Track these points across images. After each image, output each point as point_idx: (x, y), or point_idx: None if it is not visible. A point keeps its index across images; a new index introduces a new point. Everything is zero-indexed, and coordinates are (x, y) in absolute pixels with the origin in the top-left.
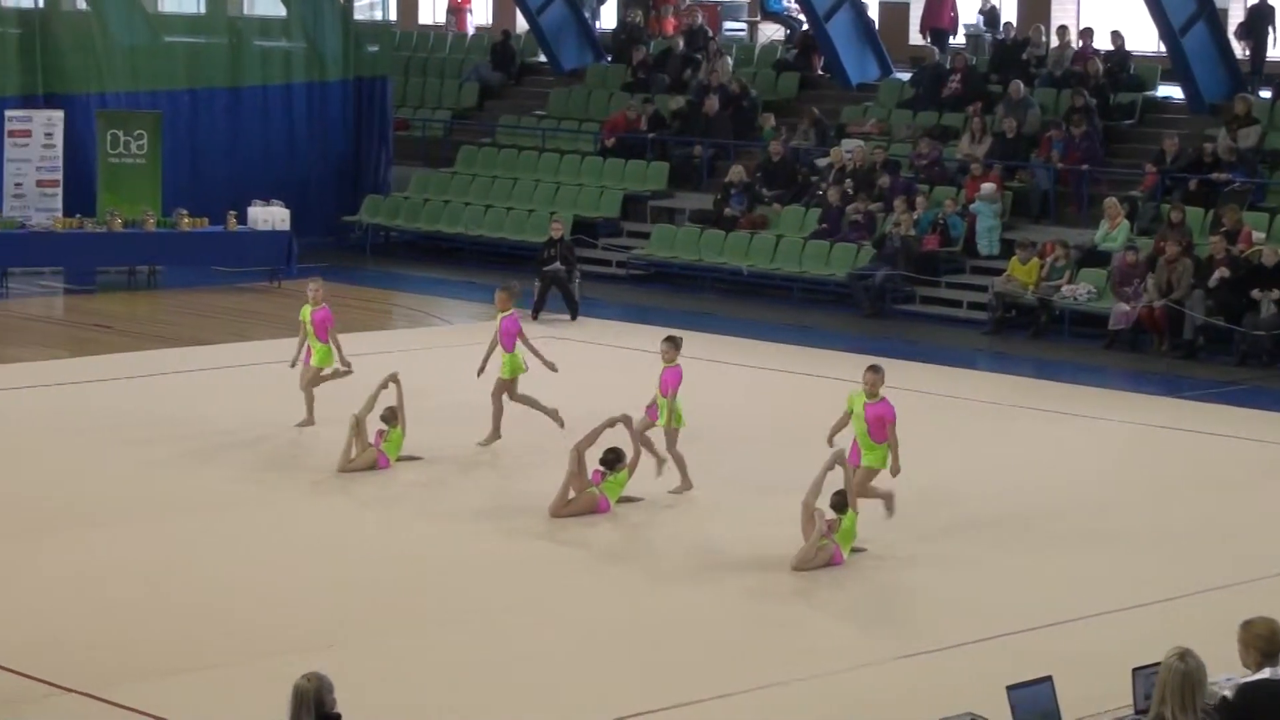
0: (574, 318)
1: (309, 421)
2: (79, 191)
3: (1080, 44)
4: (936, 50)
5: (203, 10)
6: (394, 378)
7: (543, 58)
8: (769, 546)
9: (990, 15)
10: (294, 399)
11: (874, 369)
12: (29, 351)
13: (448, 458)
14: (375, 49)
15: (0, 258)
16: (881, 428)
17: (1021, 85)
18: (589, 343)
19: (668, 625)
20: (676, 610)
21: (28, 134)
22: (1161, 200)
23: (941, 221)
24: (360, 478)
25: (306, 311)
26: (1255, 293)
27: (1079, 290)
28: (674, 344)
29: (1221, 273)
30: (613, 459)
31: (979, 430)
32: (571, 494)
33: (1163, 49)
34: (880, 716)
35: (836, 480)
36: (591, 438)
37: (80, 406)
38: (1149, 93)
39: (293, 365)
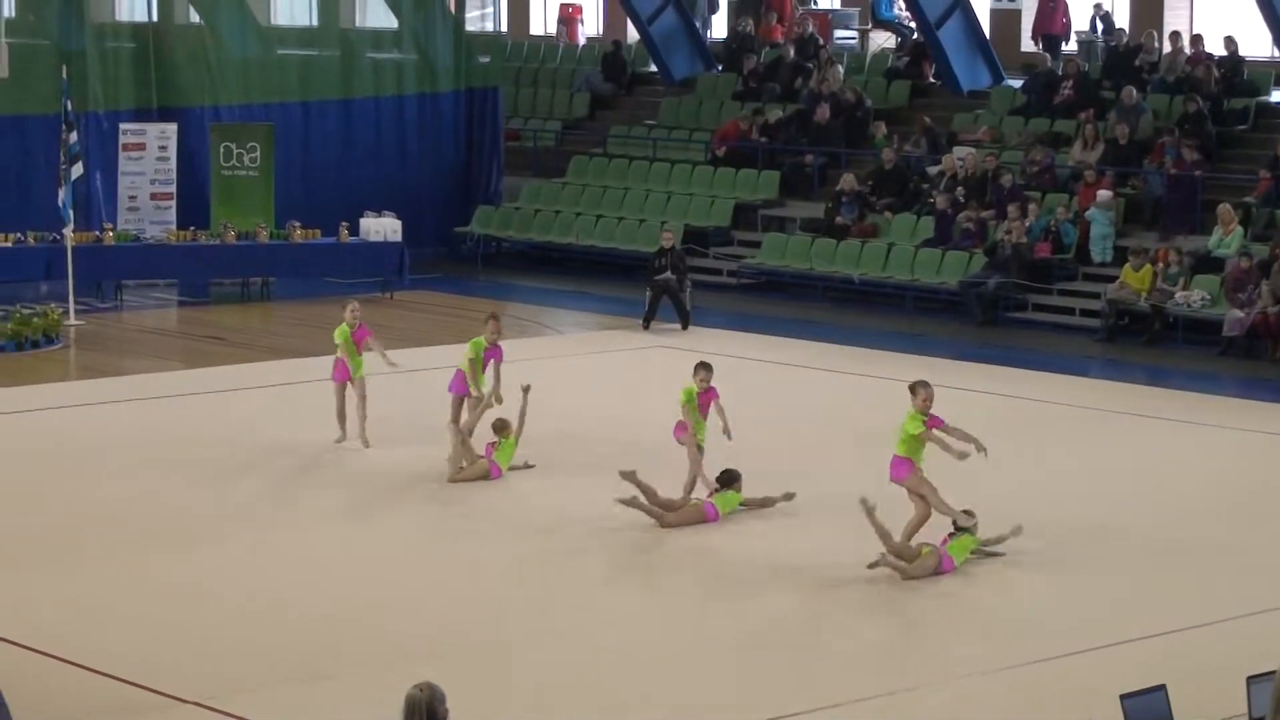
0: (685, 327)
1: (343, 437)
2: (192, 204)
3: (1193, 49)
4: (1049, 57)
5: (315, 23)
6: (525, 389)
7: (653, 67)
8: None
9: (1105, 20)
10: (409, 409)
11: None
12: (143, 364)
13: (559, 467)
14: (486, 60)
15: (115, 270)
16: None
17: (1134, 91)
18: (700, 352)
19: (767, 634)
20: (777, 620)
21: (142, 147)
22: (1276, 206)
23: (1054, 229)
24: (472, 488)
25: (344, 332)
26: None
27: (1193, 297)
28: (708, 369)
29: None
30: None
31: (1091, 438)
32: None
33: (1276, 54)
34: None
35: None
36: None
37: (193, 419)
38: (1262, 98)
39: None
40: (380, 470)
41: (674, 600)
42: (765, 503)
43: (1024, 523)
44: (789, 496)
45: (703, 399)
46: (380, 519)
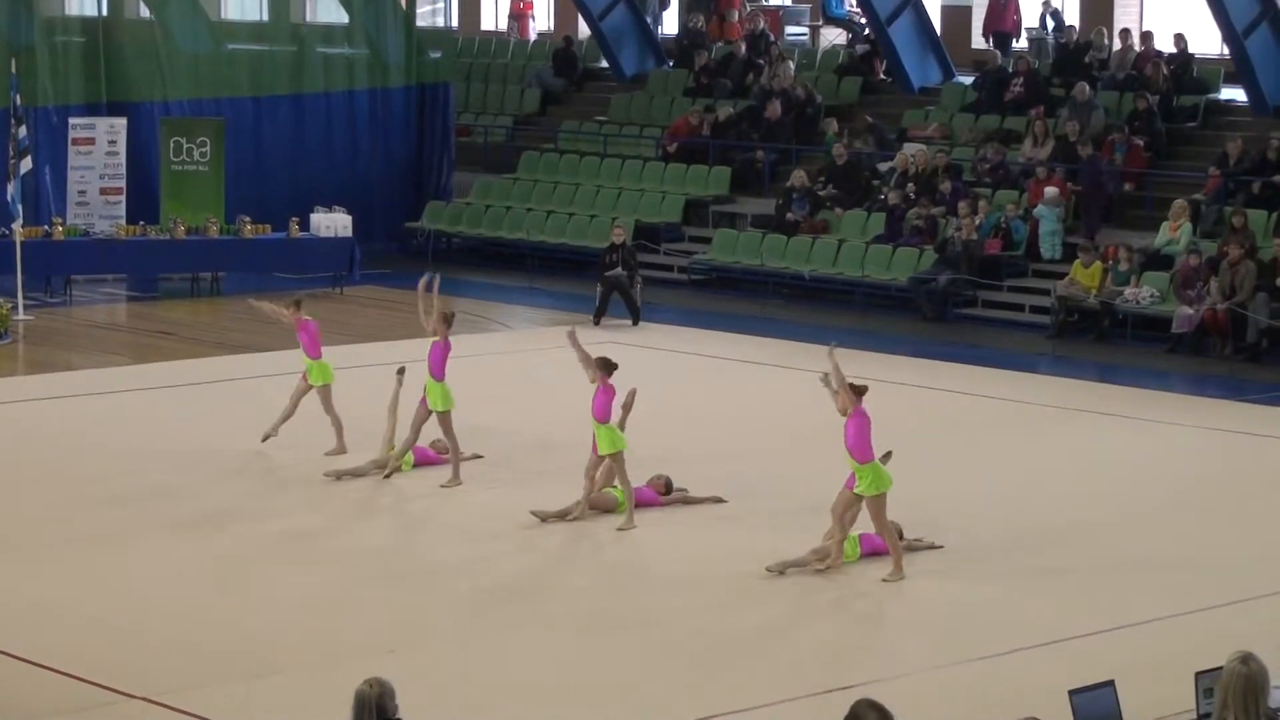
0: (636, 323)
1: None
2: (142, 199)
3: (1143, 47)
4: (999, 54)
5: (265, 18)
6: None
7: (604, 63)
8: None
9: (1055, 17)
10: (356, 406)
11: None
12: (92, 358)
13: (510, 463)
14: (437, 55)
15: (64, 265)
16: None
17: (1087, 87)
18: (650, 348)
19: (730, 632)
20: (741, 618)
21: (91, 141)
22: (1225, 203)
23: (1004, 225)
24: (413, 482)
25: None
26: None
27: (1142, 294)
28: (606, 366)
29: None
30: None
31: (1041, 435)
32: None
33: (1226, 51)
34: None
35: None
36: None
37: (141, 413)
38: (1212, 95)
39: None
40: (328, 464)
41: (627, 600)
42: (688, 500)
43: (975, 519)
44: (718, 500)
45: (599, 399)
46: (332, 515)
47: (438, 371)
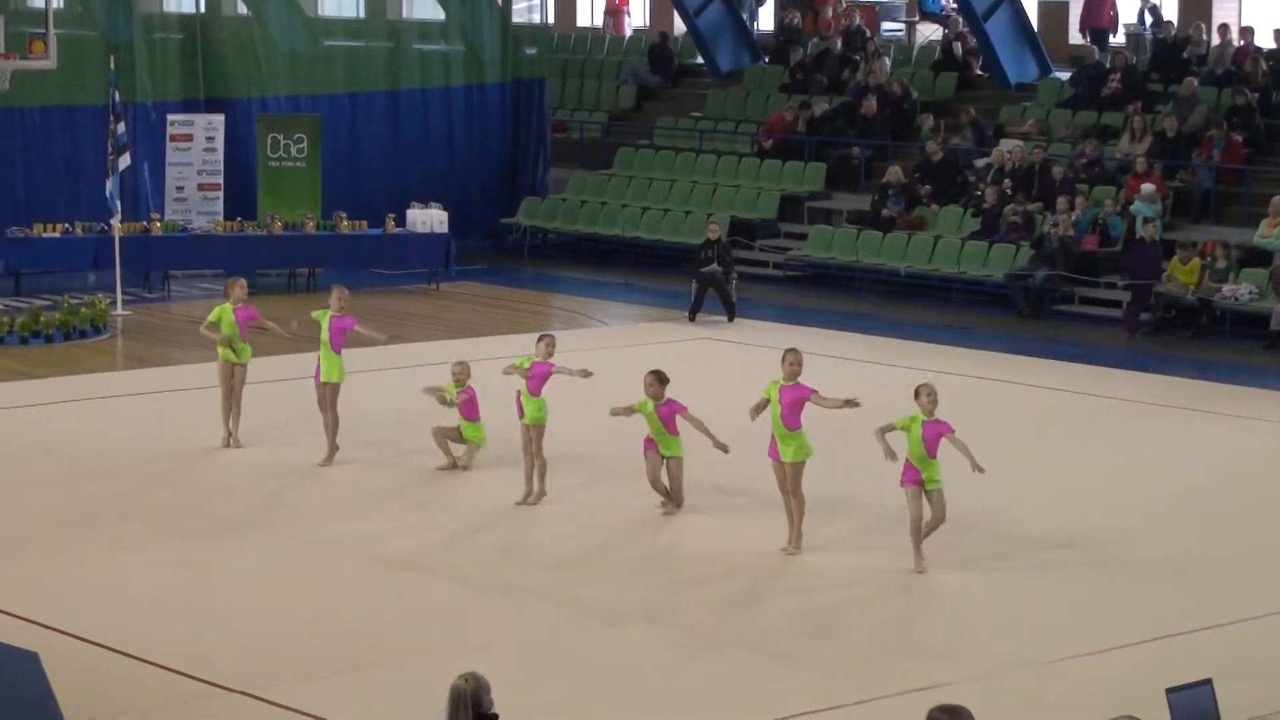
0: (731, 319)
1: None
2: (239, 195)
3: (1241, 42)
4: (1096, 49)
5: (362, 14)
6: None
7: (700, 59)
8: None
9: (1153, 12)
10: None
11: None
12: (190, 354)
13: (602, 460)
14: (533, 51)
15: (162, 260)
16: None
17: (1194, 81)
18: (746, 344)
19: (807, 625)
20: (816, 609)
21: (189, 138)
22: None
23: (1101, 222)
24: (504, 480)
25: (325, 317)
26: None
27: (1240, 290)
28: (659, 380)
29: None
30: None
31: (1137, 431)
32: None
33: None
34: (1039, 718)
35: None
36: None
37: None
38: None
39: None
40: (426, 457)
41: (707, 595)
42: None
43: (1069, 515)
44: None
45: (663, 413)
46: (422, 507)
47: (336, 344)
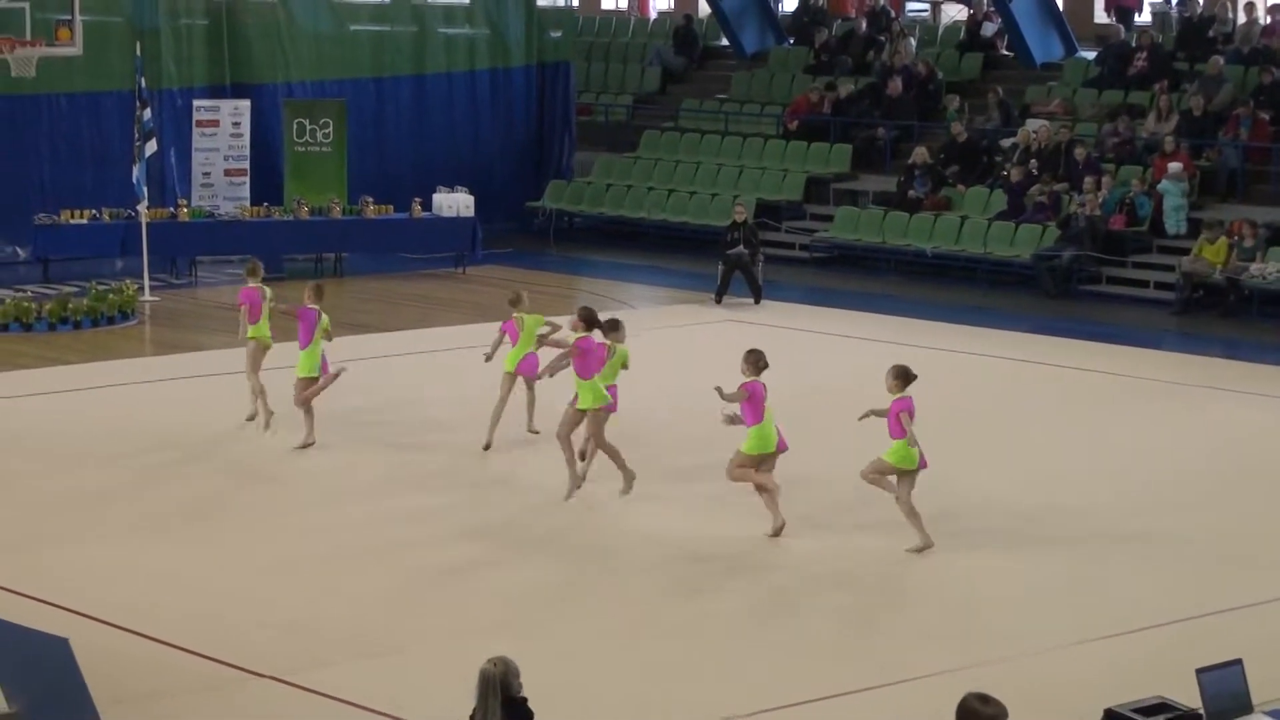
0: (758, 301)
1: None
2: (266, 180)
3: (1268, 20)
4: (1122, 28)
5: None
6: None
7: (725, 41)
8: (944, 528)
9: None
10: (479, 381)
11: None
12: (218, 339)
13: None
14: (558, 34)
15: (189, 246)
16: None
17: (1221, 60)
18: (772, 326)
19: (826, 610)
20: (831, 591)
21: (215, 124)
22: None
23: (1128, 201)
24: (529, 459)
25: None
26: None
27: (1268, 269)
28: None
29: None
30: None
31: (1165, 411)
32: None
33: None
34: (1069, 699)
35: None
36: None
37: (269, 393)
38: None
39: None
40: (451, 443)
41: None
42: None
43: (1099, 494)
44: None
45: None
46: (455, 492)
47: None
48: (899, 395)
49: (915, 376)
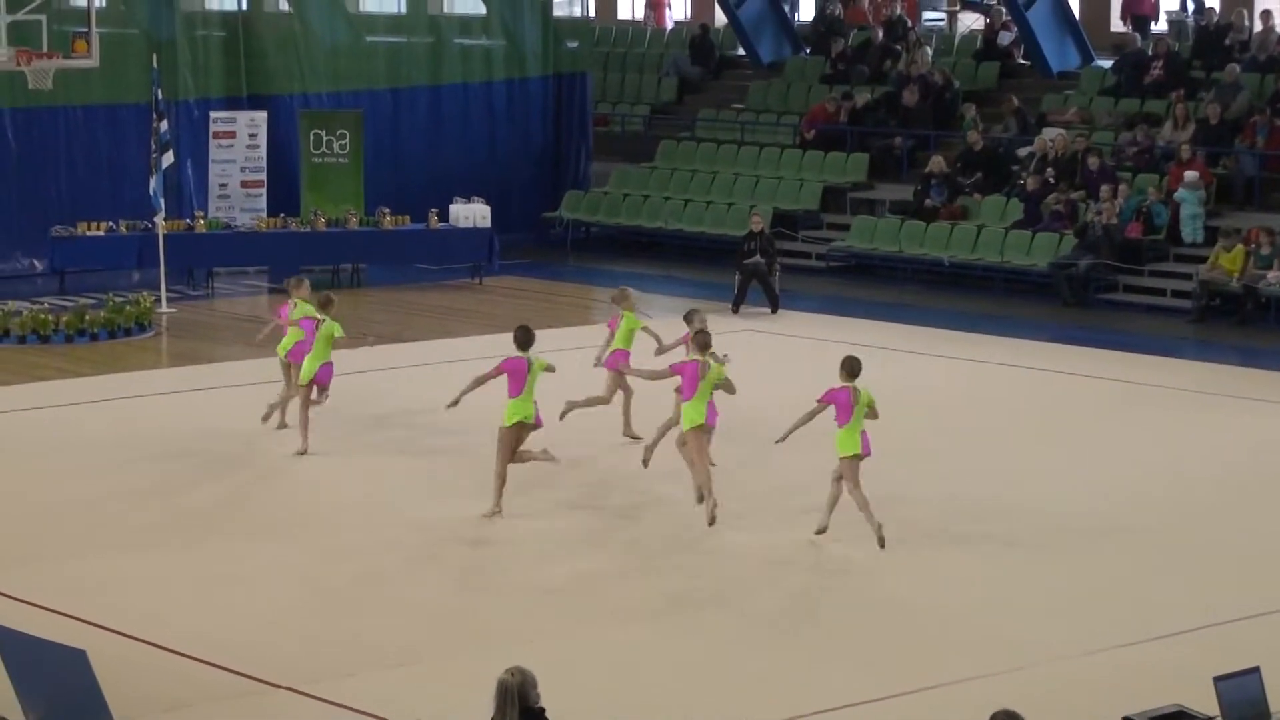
0: (774, 311)
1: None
2: (283, 191)
3: None
4: (1138, 37)
5: (403, 9)
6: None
7: (741, 51)
8: (962, 535)
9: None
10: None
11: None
12: (235, 350)
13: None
14: (574, 45)
15: (206, 258)
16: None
17: (1237, 68)
18: (790, 335)
19: (846, 618)
20: (867, 603)
21: (232, 135)
22: None
23: (1145, 209)
24: (545, 478)
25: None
26: None
27: None
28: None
29: None
30: None
31: (1183, 419)
32: None
33: None
34: (1087, 708)
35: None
36: None
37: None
38: None
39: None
40: (468, 453)
41: (746, 586)
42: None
43: (1115, 502)
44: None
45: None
46: (471, 504)
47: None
48: (839, 386)
49: (859, 370)
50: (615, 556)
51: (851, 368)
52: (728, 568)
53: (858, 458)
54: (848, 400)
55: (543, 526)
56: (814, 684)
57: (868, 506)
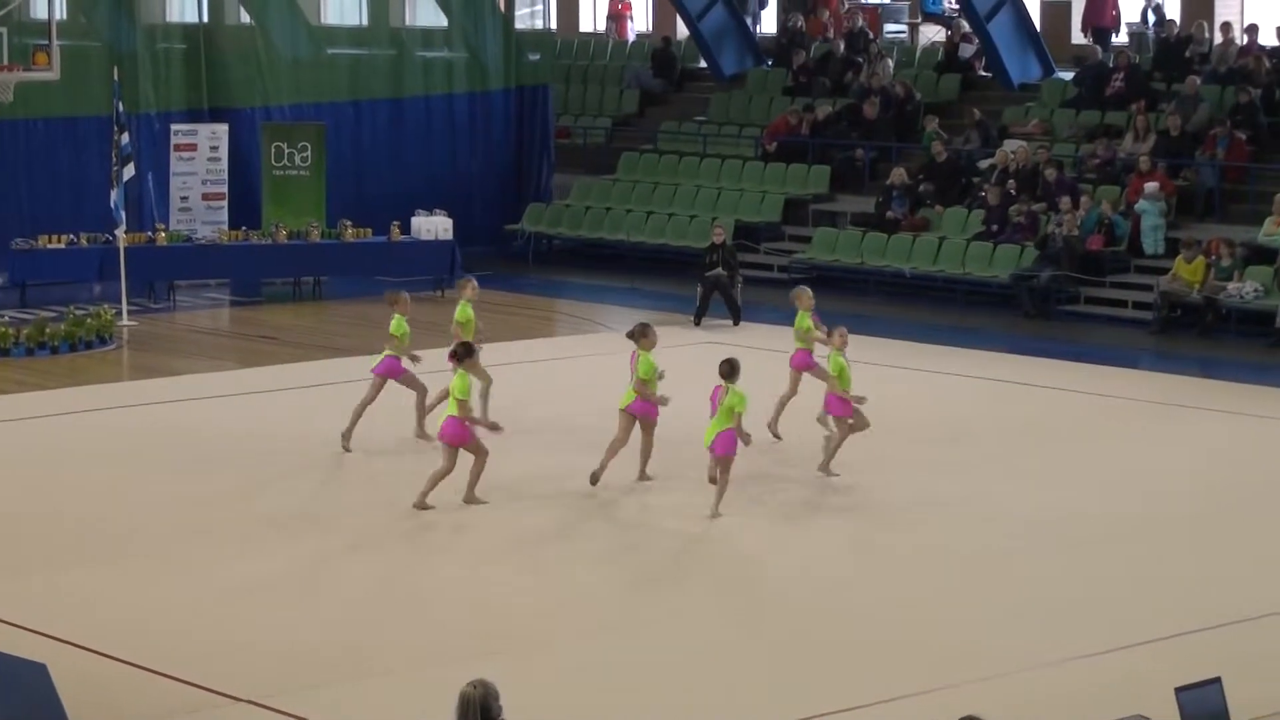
0: (736, 323)
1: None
2: (244, 204)
3: (1245, 40)
4: (1099, 49)
5: (365, 22)
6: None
7: (703, 63)
8: (928, 547)
9: (1156, 11)
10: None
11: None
12: (196, 364)
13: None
14: (536, 57)
15: (167, 270)
16: None
17: (1197, 80)
18: (752, 348)
19: (826, 627)
20: (830, 612)
21: (193, 148)
22: None
23: (1106, 221)
24: (514, 485)
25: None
26: None
27: (1245, 288)
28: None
29: None
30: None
31: (1143, 430)
32: None
33: None
34: (1049, 718)
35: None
36: None
37: (246, 418)
38: None
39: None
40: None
41: (717, 598)
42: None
43: (1076, 514)
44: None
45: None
46: (429, 516)
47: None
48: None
49: (731, 372)
50: (591, 568)
51: (723, 369)
52: (695, 575)
53: (711, 450)
54: (715, 397)
55: (516, 538)
56: (779, 694)
57: (720, 495)
